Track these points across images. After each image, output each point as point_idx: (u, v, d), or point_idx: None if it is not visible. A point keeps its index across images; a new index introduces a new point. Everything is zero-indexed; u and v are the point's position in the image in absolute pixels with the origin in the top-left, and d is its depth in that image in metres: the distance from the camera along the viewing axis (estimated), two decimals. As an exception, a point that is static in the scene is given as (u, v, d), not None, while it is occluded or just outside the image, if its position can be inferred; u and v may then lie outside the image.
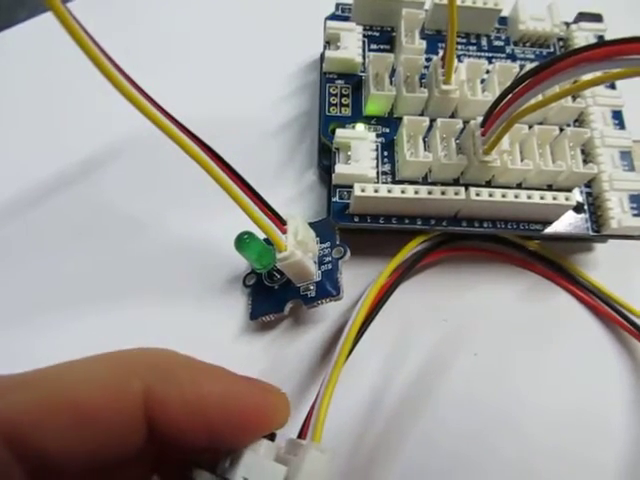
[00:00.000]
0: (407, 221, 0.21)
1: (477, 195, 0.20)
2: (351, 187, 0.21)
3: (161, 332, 0.21)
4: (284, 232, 0.19)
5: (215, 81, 0.27)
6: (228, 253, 0.22)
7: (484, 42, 0.25)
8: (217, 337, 0.22)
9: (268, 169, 0.25)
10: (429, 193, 0.20)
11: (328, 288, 0.20)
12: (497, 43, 0.25)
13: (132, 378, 0.11)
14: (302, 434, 0.16)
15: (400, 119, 0.22)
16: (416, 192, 0.20)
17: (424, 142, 0.21)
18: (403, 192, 0.20)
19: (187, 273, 0.23)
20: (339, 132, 0.21)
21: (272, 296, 0.21)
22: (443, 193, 0.20)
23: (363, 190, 0.20)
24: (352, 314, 0.19)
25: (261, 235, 0.20)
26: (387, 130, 0.23)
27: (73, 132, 0.26)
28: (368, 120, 0.23)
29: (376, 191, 0.20)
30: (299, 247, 0.19)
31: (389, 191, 0.20)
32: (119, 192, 0.25)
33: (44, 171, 0.25)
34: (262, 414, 0.13)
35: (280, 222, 0.19)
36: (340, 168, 0.21)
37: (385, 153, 0.22)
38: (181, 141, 0.15)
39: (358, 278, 0.22)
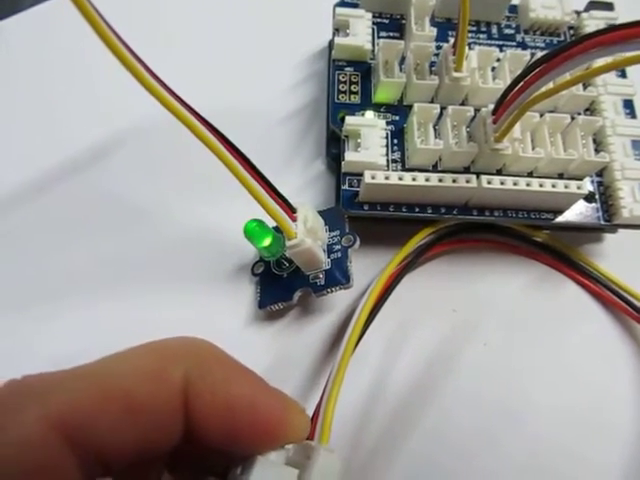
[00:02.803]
0: (417, 209, 0.21)
1: (489, 183, 0.20)
2: (361, 175, 0.21)
3: (168, 321, 0.21)
4: (294, 220, 0.19)
5: (222, 70, 0.26)
6: (236, 241, 0.22)
7: (494, 30, 0.25)
8: (225, 326, 0.22)
9: (276, 158, 0.25)
10: (440, 181, 0.20)
11: (338, 276, 0.20)
12: (507, 31, 0.25)
13: (174, 367, 0.11)
14: (309, 435, 0.15)
15: (410, 107, 0.22)
16: (427, 180, 0.20)
17: (434, 130, 0.21)
18: (414, 179, 0.20)
19: (194, 262, 0.23)
20: (349, 119, 0.21)
21: (281, 284, 0.21)
22: (454, 181, 0.20)
23: (373, 177, 0.20)
24: (359, 303, 0.19)
25: (270, 223, 0.19)
26: (397, 118, 0.22)
27: (76, 120, 0.26)
28: (377, 108, 0.23)
29: (387, 178, 0.20)
30: (309, 235, 0.19)
31: (400, 178, 0.20)
32: (124, 181, 0.25)
33: (47, 159, 0.25)
34: (285, 427, 0.13)
35: (290, 210, 0.19)
36: (350, 156, 0.20)
37: (395, 141, 0.22)
38: (193, 126, 0.15)
39: (367, 267, 0.22)
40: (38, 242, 0.23)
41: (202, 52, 0.27)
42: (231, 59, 0.27)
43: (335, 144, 0.24)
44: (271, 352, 0.21)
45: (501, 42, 0.25)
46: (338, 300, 0.22)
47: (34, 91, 0.27)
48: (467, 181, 0.20)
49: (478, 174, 0.20)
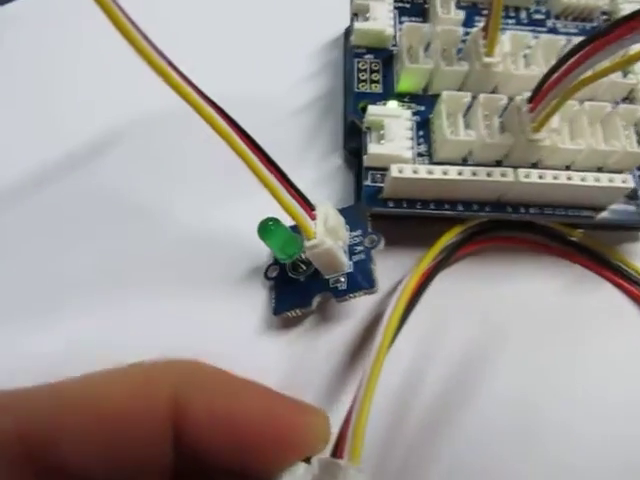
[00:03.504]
0: (447, 207, 0.19)
1: (526, 177, 0.18)
2: (385, 170, 0.19)
3: (174, 330, 0.19)
4: (313, 218, 0.17)
5: (232, 60, 0.25)
6: (246, 242, 0.20)
7: (523, 15, 0.23)
8: (236, 334, 0.20)
9: (289, 152, 0.23)
10: (473, 174, 0.18)
11: (361, 280, 0.18)
12: (537, 17, 0.23)
13: (159, 385, 0.10)
14: (337, 451, 0.14)
15: (436, 96, 0.20)
16: (459, 173, 0.18)
17: (464, 120, 0.19)
18: (445, 173, 0.18)
19: (202, 265, 0.21)
20: (371, 109, 0.19)
21: (298, 289, 0.19)
22: (489, 175, 0.18)
23: (401, 171, 0.18)
24: (388, 308, 0.17)
25: (286, 222, 0.18)
26: (422, 108, 0.21)
27: (74, 113, 0.24)
28: (401, 97, 0.21)
29: (415, 172, 0.18)
30: (329, 235, 0.17)
31: (429, 172, 0.18)
32: (126, 177, 0.23)
33: (42, 154, 0.23)
34: (303, 437, 0.11)
35: (309, 207, 0.17)
36: (373, 148, 0.19)
37: (420, 133, 0.20)
38: (204, 112, 0.14)
39: (390, 269, 0.20)
40: (32, 244, 0.22)
41: (212, 40, 0.25)
42: (241, 48, 0.25)
43: (353, 137, 0.22)
44: (286, 362, 0.20)
45: (531, 28, 0.23)
46: (359, 305, 0.20)
47: (28, 83, 0.25)
48: (502, 175, 0.18)
49: (511, 168, 0.18)
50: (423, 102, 0.21)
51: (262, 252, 0.21)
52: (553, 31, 0.23)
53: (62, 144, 0.24)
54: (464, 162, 0.20)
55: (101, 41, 0.26)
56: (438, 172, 0.18)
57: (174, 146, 0.23)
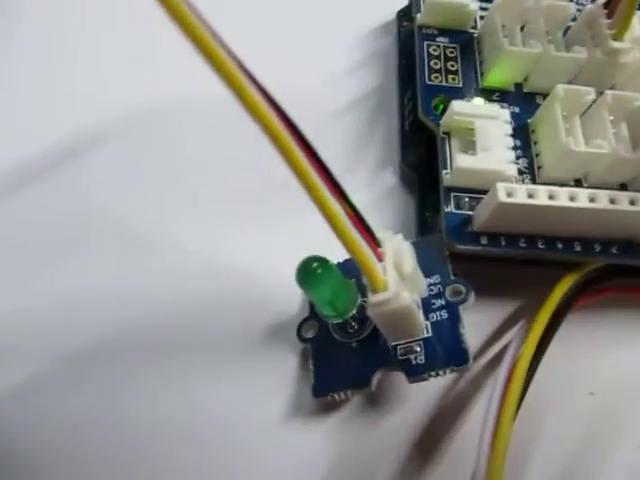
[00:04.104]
0: (560, 246, 0.14)
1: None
2: (475, 192, 0.13)
3: (163, 415, 0.14)
4: (380, 260, 0.12)
5: (259, 50, 0.19)
6: (270, 285, 0.15)
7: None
8: (255, 422, 0.14)
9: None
10: (612, 202, 0.12)
11: (448, 352, 0.12)
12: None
13: None
14: None
15: (533, 94, 0.15)
16: (592, 200, 0.12)
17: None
18: (572, 199, 0.12)
19: (206, 317, 0.15)
20: (457, 106, 0.14)
21: (348, 360, 0.13)
22: (632, 203, 0.12)
23: (510, 194, 0.12)
24: (495, 391, 0.12)
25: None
26: (516, 110, 0.15)
27: (56, 105, 0.19)
28: (487, 95, 0.15)
29: (531, 196, 0.12)
30: (405, 285, 0.12)
31: (551, 197, 0.12)
32: (114, 189, 0.17)
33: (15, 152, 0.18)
34: None
35: (374, 243, 0.12)
36: (463, 161, 0.13)
37: (517, 142, 0.15)
38: (259, 110, 0.08)
39: (476, 326, 0.14)
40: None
41: (240, 28, 0.20)
42: (273, 37, 0.19)
43: (414, 147, 0.17)
44: (326, 462, 0.14)
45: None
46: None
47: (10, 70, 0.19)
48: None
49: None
50: (517, 102, 0.15)
51: (293, 300, 0.15)
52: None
53: (40, 140, 0.18)
54: (578, 184, 0.14)
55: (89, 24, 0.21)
56: (563, 197, 0.12)
57: (180, 153, 0.18)
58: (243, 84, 0.08)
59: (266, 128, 0.09)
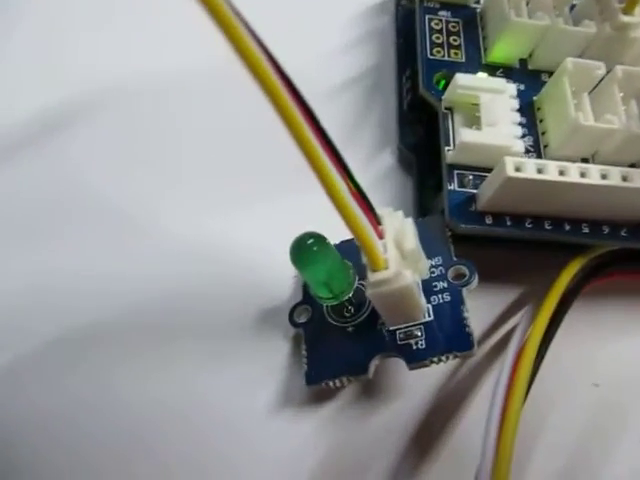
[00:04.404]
0: (568, 228, 0.13)
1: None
2: (477, 170, 0.13)
3: (155, 400, 0.13)
4: (380, 237, 0.11)
5: (257, 29, 0.18)
6: (260, 267, 0.14)
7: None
8: (245, 410, 0.13)
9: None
10: (624, 180, 0.12)
11: (450, 337, 0.12)
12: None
13: None
14: None
15: (538, 72, 0.14)
16: (603, 177, 0.12)
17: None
18: (583, 175, 0.12)
19: (194, 301, 0.14)
20: (461, 79, 0.13)
21: (344, 345, 0.13)
22: (646, 180, 0.12)
23: (519, 168, 0.11)
24: (500, 382, 0.11)
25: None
26: (521, 87, 0.15)
27: (43, 81, 0.18)
28: (491, 71, 0.15)
29: (540, 171, 0.12)
30: (406, 265, 0.11)
31: (561, 173, 0.12)
32: (95, 170, 0.16)
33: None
34: None
35: (375, 219, 0.11)
36: (468, 135, 0.12)
37: (523, 120, 0.14)
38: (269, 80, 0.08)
39: (477, 312, 0.14)
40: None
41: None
42: (267, 14, 0.18)
43: (412, 127, 0.16)
44: (319, 452, 0.13)
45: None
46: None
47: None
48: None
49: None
50: (522, 79, 0.15)
51: (284, 283, 0.14)
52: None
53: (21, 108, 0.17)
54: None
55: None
56: (573, 173, 0.12)
57: (168, 130, 0.17)
58: (251, 47, 0.08)
59: (273, 97, 0.08)
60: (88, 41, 0.18)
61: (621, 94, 0.13)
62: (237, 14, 0.08)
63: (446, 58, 0.15)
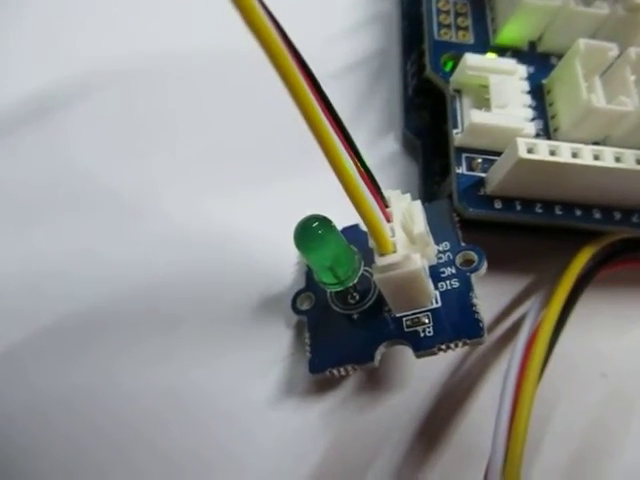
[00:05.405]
0: (579, 213, 0.13)
1: None
2: (485, 153, 0.12)
3: (155, 390, 0.12)
4: (388, 220, 0.11)
5: None
6: (262, 253, 0.14)
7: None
8: (246, 400, 0.13)
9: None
10: (639, 162, 0.11)
11: (459, 324, 0.11)
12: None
13: None
14: None
15: (547, 55, 0.14)
16: (617, 160, 0.11)
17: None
18: (597, 158, 0.11)
19: (193, 288, 0.14)
20: (470, 59, 0.13)
21: (348, 333, 0.12)
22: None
23: (531, 150, 0.11)
24: (508, 381, 0.11)
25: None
26: (530, 70, 0.14)
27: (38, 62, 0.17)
28: (500, 52, 0.14)
29: (553, 153, 0.11)
30: (415, 248, 0.11)
31: (574, 155, 0.11)
32: (93, 153, 0.16)
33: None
34: None
35: (382, 201, 0.11)
36: (477, 116, 0.12)
37: (533, 103, 0.14)
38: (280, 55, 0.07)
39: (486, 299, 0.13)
40: None
41: None
42: None
43: (417, 111, 0.16)
44: (322, 443, 0.13)
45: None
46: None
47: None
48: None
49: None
50: (531, 61, 0.14)
51: (286, 269, 0.14)
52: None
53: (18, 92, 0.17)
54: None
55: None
56: (587, 155, 0.11)
57: (168, 114, 0.16)
58: (268, 27, 0.07)
59: (285, 75, 0.08)
60: (85, 23, 0.18)
61: (633, 77, 0.13)
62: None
63: (454, 40, 0.14)
